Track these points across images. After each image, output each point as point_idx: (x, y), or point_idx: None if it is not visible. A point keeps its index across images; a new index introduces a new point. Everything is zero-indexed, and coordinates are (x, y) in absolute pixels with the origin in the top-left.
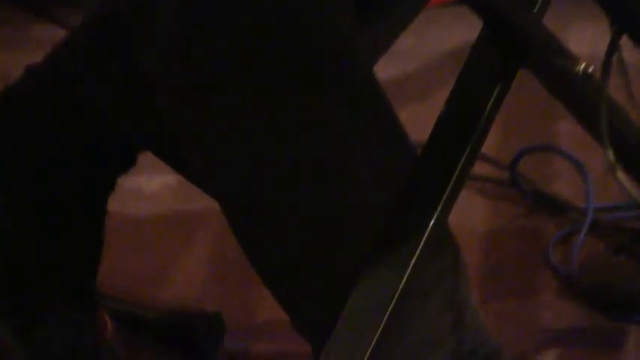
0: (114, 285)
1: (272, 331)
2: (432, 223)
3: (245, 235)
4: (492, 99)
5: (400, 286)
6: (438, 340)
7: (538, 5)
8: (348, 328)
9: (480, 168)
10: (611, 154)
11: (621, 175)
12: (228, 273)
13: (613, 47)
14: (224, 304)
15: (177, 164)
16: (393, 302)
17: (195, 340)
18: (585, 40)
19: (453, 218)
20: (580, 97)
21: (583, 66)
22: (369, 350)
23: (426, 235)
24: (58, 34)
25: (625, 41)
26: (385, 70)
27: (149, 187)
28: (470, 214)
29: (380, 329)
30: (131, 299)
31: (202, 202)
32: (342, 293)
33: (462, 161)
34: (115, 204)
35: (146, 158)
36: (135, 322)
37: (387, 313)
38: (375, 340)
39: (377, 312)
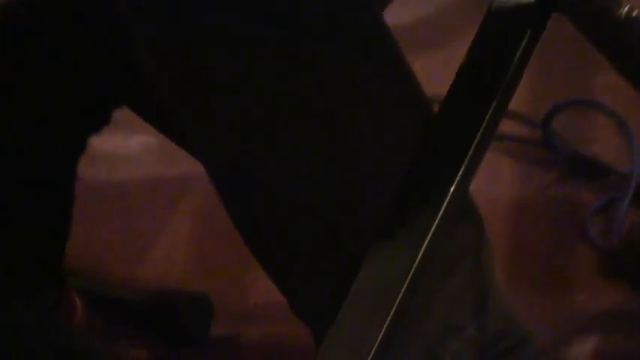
0: (85, 261)
1: (266, 314)
2: (451, 190)
3: (236, 204)
4: (522, 46)
5: (415, 264)
6: (457, 326)
7: None
8: (355, 311)
9: (507, 126)
10: None
11: None
12: (217, 248)
13: None
14: (211, 283)
15: (159, 122)
16: (407, 282)
17: (179, 324)
18: None
19: (475, 185)
20: (623, 44)
21: (627, 8)
22: (379, 336)
23: (444, 204)
24: None
25: None
26: (397, 15)
27: (125, 148)
28: (495, 180)
29: (391, 312)
30: (105, 278)
31: (187, 165)
32: (349, 271)
33: (486, 118)
34: (86, 168)
35: (122, 115)
36: (109, 305)
37: (400, 295)
38: (385, 325)
39: (388, 293)
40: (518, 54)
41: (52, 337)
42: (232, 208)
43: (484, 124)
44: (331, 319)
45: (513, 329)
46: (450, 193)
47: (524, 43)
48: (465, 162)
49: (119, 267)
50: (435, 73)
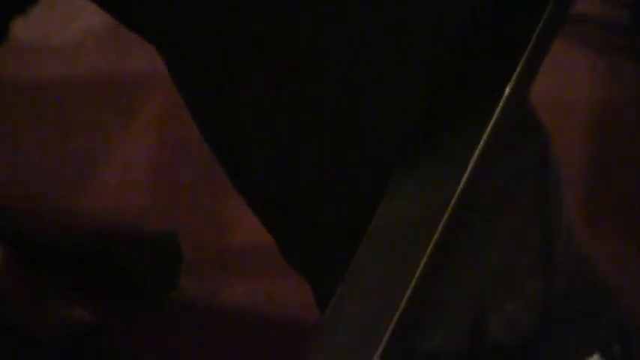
0: (7, 191)
1: (249, 260)
2: (505, 94)
3: (208, 113)
4: None
5: (456, 194)
6: (514, 280)
7: None
8: (376, 255)
9: (586, 6)
10: None
11: None
12: (186, 171)
13: None
14: (179, 219)
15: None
16: (445, 218)
17: (137, 276)
18: None
19: (541, 86)
20: None
21: None
22: (408, 291)
23: (496, 113)
24: None
25: None
26: None
27: (62, 36)
28: (569, 80)
29: (424, 259)
30: (35, 213)
31: (142, 60)
32: (364, 204)
33: None
34: (11, 62)
35: None
36: (41, 251)
37: (436, 235)
38: (417, 276)
39: (420, 231)
40: None
41: None
42: (205, 120)
43: (551, 3)
44: (333, 267)
45: (591, 285)
46: (503, 99)
47: None
48: (525, 55)
49: (54, 198)
50: None
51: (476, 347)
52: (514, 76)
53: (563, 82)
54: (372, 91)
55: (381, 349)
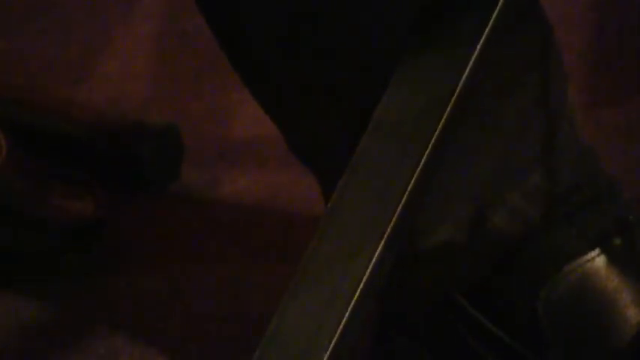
0: (9, 81)
1: (253, 152)
2: None
3: None
4: None
5: (460, 83)
6: (517, 170)
7: None
8: (381, 143)
9: None
10: None
11: None
12: (186, 62)
13: None
14: (180, 110)
15: None
16: (449, 107)
17: (138, 166)
18: None
19: None
20: None
21: None
22: (413, 179)
23: (499, 4)
24: None
25: None
26: None
27: None
28: None
29: (430, 147)
30: (38, 103)
31: None
32: (370, 89)
33: None
34: None
35: None
36: (44, 140)
37: (440, 124)
38: (422, 163)
39: (425, 120)
40: None
41: None
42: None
43: None
44: (338, 155)
45: (594, 176)
46: None
47: None
48: None
49: (56, 88)
50: None
51: (477, 239)
52: None
53: None
54: None
55: (385, 237)
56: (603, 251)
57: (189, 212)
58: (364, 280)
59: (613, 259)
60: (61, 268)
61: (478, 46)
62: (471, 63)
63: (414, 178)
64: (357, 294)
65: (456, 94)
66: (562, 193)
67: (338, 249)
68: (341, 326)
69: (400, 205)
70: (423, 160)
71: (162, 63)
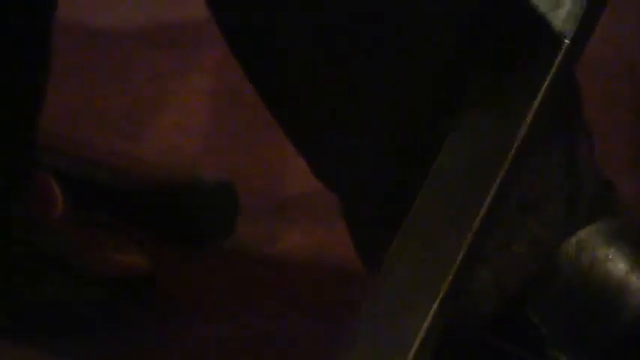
0: (66, 134)
1: (305, 208)
2: (566, 45)
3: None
4: None
5: (519, 135)
6: (539, 197)
7: None
8: (439, 199)
9: None
10: None
11: None
12: (240, 116)
13: None
14: (233, 164)
15: None
16: (508, 161)
17: (194, 222)
18: None
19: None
20: None
21: None
22: (473, 232)
23: (556, 64)
24: None
25: None
26: None
27: None
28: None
29: (488, 200)
30: (94, 157)
31: (200, 8)
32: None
33: None
34: (66, 9)
35: None
36: (100, 194)
37: (499, 178)
38: (480, 218)
39: (483, 173)
40: None
41: (18, 236)
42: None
43: None
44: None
45: (614, 211)
46: (563, 50)
47: None
48: (582, 13)
49: (111, 141)
50: None
51: (500, 268)
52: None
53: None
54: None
55: (441, 295)
56: None
57: (241, 267)
58: (421, 334)
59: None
60: (112, 319)
61: (539, 98)
62: (530, 116)
63: (473, 232)
64: (413, 350)
65: (515, 147)
66: (586, 200)
67: (395, 304)
68: None
69: (458, 262)
70: (481, 214)
71: (216, 118)
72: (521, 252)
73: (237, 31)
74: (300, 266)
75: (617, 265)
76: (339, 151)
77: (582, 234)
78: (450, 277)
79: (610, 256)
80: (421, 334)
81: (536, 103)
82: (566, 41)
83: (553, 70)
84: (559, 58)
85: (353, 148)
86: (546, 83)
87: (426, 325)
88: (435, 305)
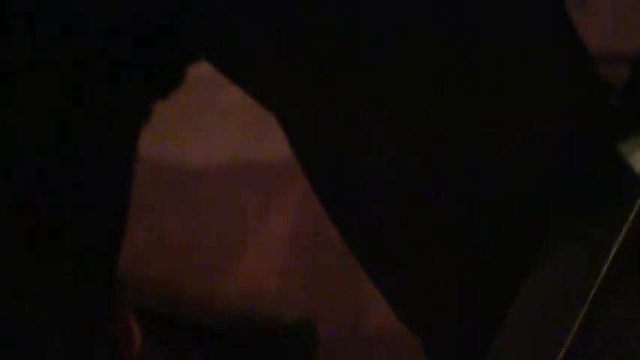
0: (147, 272)
1: (385, 348)
2: None
3: (332, 199)
4: None
5: (603, 270)
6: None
7: None
8: (521, 336)
9: None
10: None
11: None
12: (325, 257)
13: None
14: (313, 303)
15: (245, 79)
16: (590, 298)
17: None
18: None
19: None
20: None
21: None
22: None
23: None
24: None
25: None
26: None
27: (202, 119)
28: None
29: (571, 337)
30: (175, 295)
31: (282, 145)
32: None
33: None
34: (148, 145)
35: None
36: (181, 333)
37: (581, 315)
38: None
39: (565, 310)
40: None
41: None
42: (327, 203)
43: None
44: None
45: None
46: None
47: None
48: None
49: (194, 280)
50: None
51: None
52: None
53: None
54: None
55: None
56: None
57: None
58: None
59: None
60: None
61: (624, 231)
62: (614, 250)
63: None
64: None
65: (598, 281)
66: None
67: None
68: None
69: None
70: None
71: (296, 257)
72: None
73: (321, 173)
74: None
75: None
76: (424, 296)
77: None
78: None
79: None
80: None
81: (615, 246)
82: None
83: (632, 215)
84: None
85: (439, 296)
86: (626, 228)
87: None
88: None
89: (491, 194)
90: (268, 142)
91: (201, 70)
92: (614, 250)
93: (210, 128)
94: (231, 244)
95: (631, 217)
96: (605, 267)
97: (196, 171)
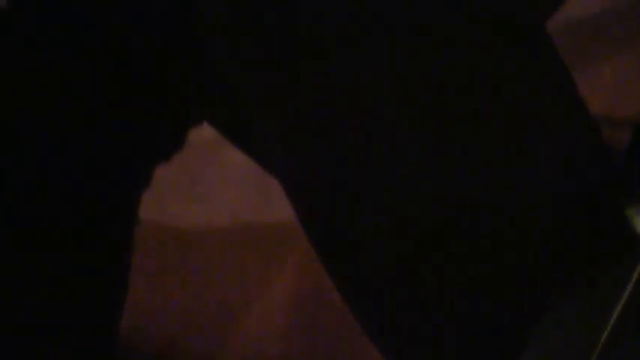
0: (148, 334)
1: None
2: None
3: (335, 268)
4: None
5: (604, 333)
6: None
7: None
8: None
9: None
10: None
11: None
12: (329, 318)
13: None
14: None
15: (247, 142)
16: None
17: None
18: None
19: None
20: None
21: None
22: None
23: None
24: None
25: None
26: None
27: (205, 183)
28: None
29: None
30: (178, 358)
31: (284, 209)
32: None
33: None
34: (150, 209)
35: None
36: None
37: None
38: None
39: None
40: None
41: None
42: (331, 271)
43: None
44: None
45: None
46: None
47: None
48: None
49: (196, 345)
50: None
51: None
52: None
53: None
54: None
55: None
56: None
57: None
58: None
59: None
60: None
61: (626, 293)
62: (615, 313)
63: None
64: None
65: (600, 343)
66: None
67: None
68: None
69: None
70: None
71: (299, 320)
72: None
73: (323, 235)
74: None
75: None
76: None
77: None
78: None
79: None
80: None
81: (619, 305)
82: None
83: (635, 276)
84: None
85: (439, 354)
86: (628, 290)
87: None
88: None
89: (490, 269)
90: (270, 204)
91: (203, 134)
92: (617, 312)
93: (212, 191)
94: (233, 308)
95: (633, 279)
96: (608, 329)
97: (198, 234)
